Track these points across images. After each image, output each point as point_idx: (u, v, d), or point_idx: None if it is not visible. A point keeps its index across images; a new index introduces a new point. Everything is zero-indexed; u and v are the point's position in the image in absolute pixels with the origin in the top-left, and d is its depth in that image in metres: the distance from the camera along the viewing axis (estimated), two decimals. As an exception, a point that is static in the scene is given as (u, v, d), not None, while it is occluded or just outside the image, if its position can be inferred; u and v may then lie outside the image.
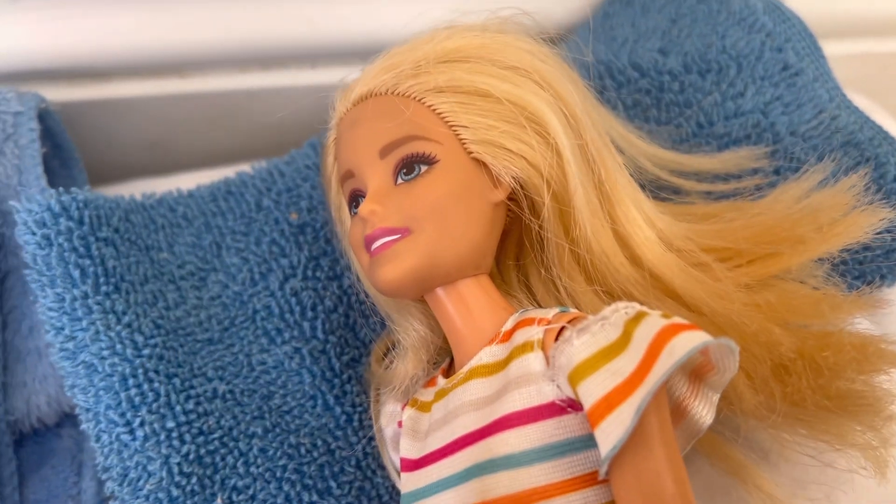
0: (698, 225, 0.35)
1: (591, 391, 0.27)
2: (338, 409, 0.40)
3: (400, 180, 0.33)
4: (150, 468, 0.37)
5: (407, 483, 0.34)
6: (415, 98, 0.34)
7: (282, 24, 0.47)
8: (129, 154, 0.52)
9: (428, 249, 0.32)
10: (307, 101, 0.50)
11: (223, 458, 0.38)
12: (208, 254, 0.43)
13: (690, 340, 0.26)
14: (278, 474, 0.38)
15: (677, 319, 0.27)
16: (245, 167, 0.49)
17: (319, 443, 0.40)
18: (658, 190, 0.38)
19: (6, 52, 0.45)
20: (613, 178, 0.33)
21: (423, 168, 0.33)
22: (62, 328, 0.38)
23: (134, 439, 0.37)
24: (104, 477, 0.37)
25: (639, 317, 0.28)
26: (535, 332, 0.30)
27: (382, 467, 0.40)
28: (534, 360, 0.30)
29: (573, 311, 0.32)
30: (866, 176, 0.40)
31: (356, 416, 0.40)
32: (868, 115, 0.47)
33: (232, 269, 0.42)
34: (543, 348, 0.30)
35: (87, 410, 0.38)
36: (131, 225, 0.41)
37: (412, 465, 0.34)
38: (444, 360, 0.36)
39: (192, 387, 0.39)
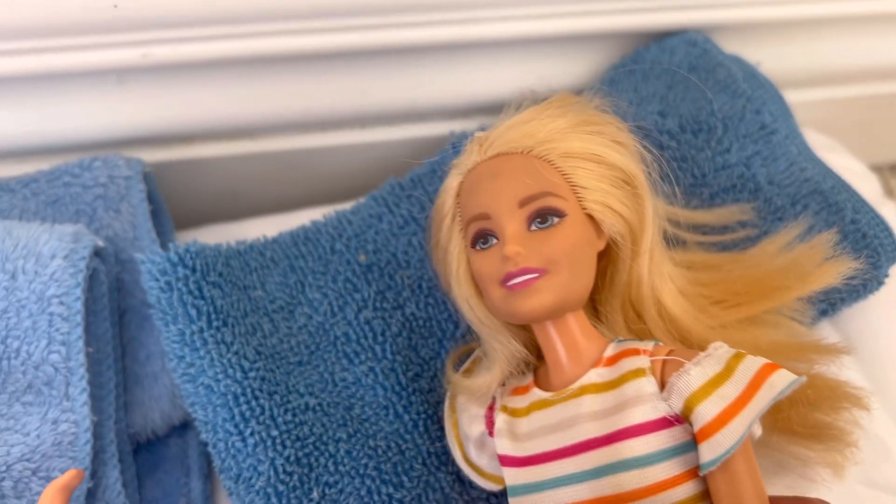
0: (700, 274, 0.44)
1: (707, 411, 0.35)
2: (406, 417, 0.49)
3: (534, 227, 0.39)
4: (259, 469, 0.45)
5: (518, 476, 0.40)
6: (547, 160, 0.40)
7: (338, 94, 0.55)
8: (206, 203, 0.60)
9: (562, 288, 0.38)
10: (357, 156, 0.59)
11: (317, 459, 0.46)
12: (294, 290, 0.51)
13: (786, 378, 0.35)
14: (361, 471, 0.46)
15: (769, 361, 0.36)
16: (307, 213, 0.57)
17: (392, 445, 0.48)
18: (665, 241, 0.46)
19: (114, 123, 0.53)
20: (659, 236, 0.42)
21: (555, 220, 0.39)
22: (183, 357, 0.46)
23: (246, 446, 0.45)
24: (221, 477, 0.45)
25: (739, 356, 0.36)
26: (643, 362, 0.38)
27: (444, 464, 0.48)
28: (646, 384, 0.37)
29: (661, 343, 0.39)
30: (827, 217, 0.50)
31: (420, 423, 0.48)
32: (828, 164, 0.57)
33: (314, 303, 0.51)
34: (654, 374, 0.37)
35: (206, 423, 0.46)
36: (231, 269, 0.50)
37: (520, 462, 0.40)
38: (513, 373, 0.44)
39: (288, 402, 0.47)
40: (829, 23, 0.61)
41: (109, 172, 0.51)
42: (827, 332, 0.54)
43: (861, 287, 0.50)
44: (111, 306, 0.50)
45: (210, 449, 0.46)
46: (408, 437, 0.48)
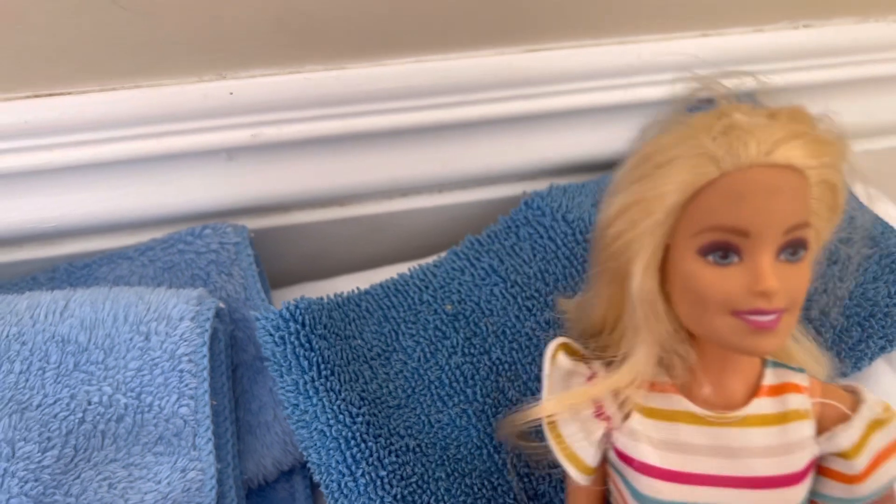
0: None
1: (862, 461, 0.38)
2: (496, 457, 0.52)
3: (783, 257, 0.35)
4: None
5: (665, 491, 0.38)
6: (812, 184, 0.35)
7: (420, 164, 0.60)
8: (298, 264, 0.65)
9: (792, 328, 0.36)
10: (436, 217, 0.64)
11: (420, 497, 0.49)
12: (388, 338, 0.55)
13: None
14: None
15: None
16: (392, 269, 0.62)
17: (486, 483, 0.52)
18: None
19: (222, 195, 0.58)
20: None
21: (803, 253, 0.35)
22: (297, 405, 0.51)
23: (357, 486, 0.49)
24: (335, 516, 0.50)
25: (888, 409, 0.38)
26: (806, 402, 0.38)
27: (532, 498, 0.52)
28: (808, 428, 0.38)
29: (806, 373, 0.40)
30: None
31: (509, 461, 0.53)
32: (875, 211, 0.61)
33: (408, 350, 0.55)
34: (814, 417, 0.38)
35: (320, 465, 0.50)
36: (333, 321, 0.54)
37: (670, 476, 0.38)
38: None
39: (391, 444, 0.51)
40: (870, 82, 0.66)
41: (220, 239, 0.57)
42: (883, 368, 0.58)
43: (914, 324, 0.54)
44: (227, 362, 0.54)
45: (323, 489, 0.50)
46: (497, 475, 0.51)
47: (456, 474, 0.51)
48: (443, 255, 0.60)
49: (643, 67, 0.58)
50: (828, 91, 0.65)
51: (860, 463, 0.37)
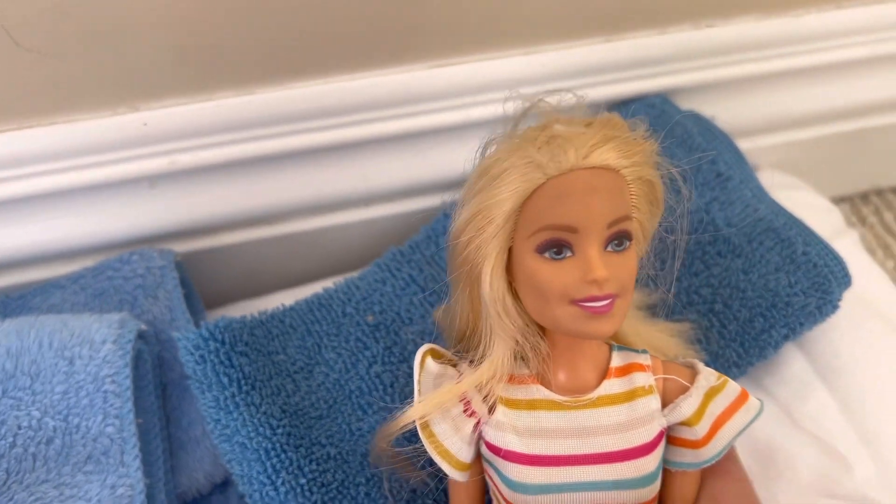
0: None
1: (702, 427, 0.41)
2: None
3: (610, 249, 0.38)
4: None
5: (529, 475, 0.41)
6: (629, 181, 0.40)
7: (343, 180, 0.62)
8: (232, 283, 0.67)
9: (626, 311, 0.39)
10: (362, 230, 0.66)
11: (340, 502, 0.52)
12: (311, 352, 0.56)
13: (755, 405, 0.42)
14: None
15: (743, 388, 0.43)
16: (322, 283, 0.64)
17: (405, 485, 0.54)
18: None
19: (149, 222, 0.60)
20: None
21: (628, 243, 0.39)
22: (219, 420, 0.53)
23: (278, 494, 0.50)
24: (258, 524, 0.52)
25: (722, 378, 0.42)
26: (650, 379, 0.42)
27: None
28: (654, 402, 0.41)
29: (648, 354, 0.43)
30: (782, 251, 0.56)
31: (427, 463, 0.54)
32: (782, 203, 0.63)
33: (330, 362, 0.56)
34: (658, 392, 0.42)
35: (242, 477, 0.52)
36: (255, 337, 0.56)
37: (532, 461, 0.41)
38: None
39: (312, 453, 0.52)
40: (779, 76, 0.68)
41: (146, 264, 0.59)
42: (793, 353, 0.59)
43: (816, 311, 0.56)
44: (155, 381, 0.56)
45: (247, 500, 0.51)
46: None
47: (375, 479, 0.53)
48: (368, 268, 0.62)
49: (539, 77, 0.60)
50: (735, 87, 0.67)
51: (702, 428, 0.41)
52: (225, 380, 0.53)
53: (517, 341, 0.42)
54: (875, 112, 0.74)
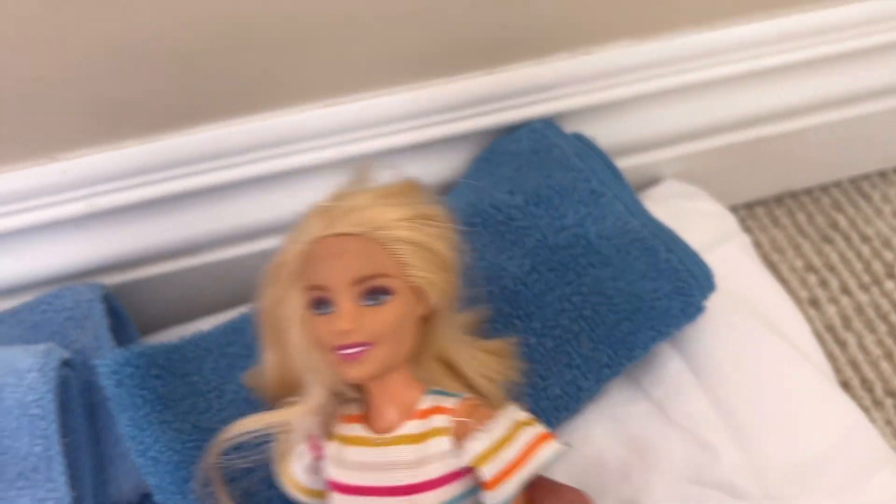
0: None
1: (489, 470, 0.44)
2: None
3: (365, 303, 0.44)
4: None
5: (338, 500, 0.48)
6: (382, 243, 0.45)
7: (253, 211, 0.68)
8: (163, 310, 0.73)
9: (386, 358, 0.45)
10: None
11: (249, 507, 0.58)
12: (223, 373, 0.61)
13: (552, 449, 0.45)
14: None
15: (545, 431, 0.46)
16: (243, 309, 0.70)
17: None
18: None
19: (79, 258, 0.67)
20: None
21: (385, 297, 0.44)
22: (135, 437, 0.57)
23: (187, 502, 0.57)
24: (170, 530, 0.58)
25: (520, 423, 0.45)
26: (447, 421, 0.45)
27: None
28: (446, 443, 0.45)
29: (467, 396, 0.47)
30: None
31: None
32: (672, 212, 0.67)
33: (240, 381, 0.63)
34: (453, 434, 0.45)
35: (156, 487, 0.56)
36: (171, 361, 0.61)
37: (344, 489, 0.48)
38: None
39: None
40: (658, 95, 0.73)
41: (75, 297, 0.65)
42: (669, 353, 0.64)
43: (680, 313, 0.60)
44: (84, 403, 0.62)
45: None
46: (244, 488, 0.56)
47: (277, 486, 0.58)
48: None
49: (427, 111, 0.65)
50: (617, 108, 0.72)
51: (489, 471, 0.44)
52: (139, 400, 0.58)
53: (329, 386, 0.48)
54: (769, 121, 0.79)
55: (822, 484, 0.56)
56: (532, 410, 0.51)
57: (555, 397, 0.59)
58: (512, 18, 0.65)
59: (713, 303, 0.63)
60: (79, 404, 0.61)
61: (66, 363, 0.61)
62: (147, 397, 0.58)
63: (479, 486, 0.46)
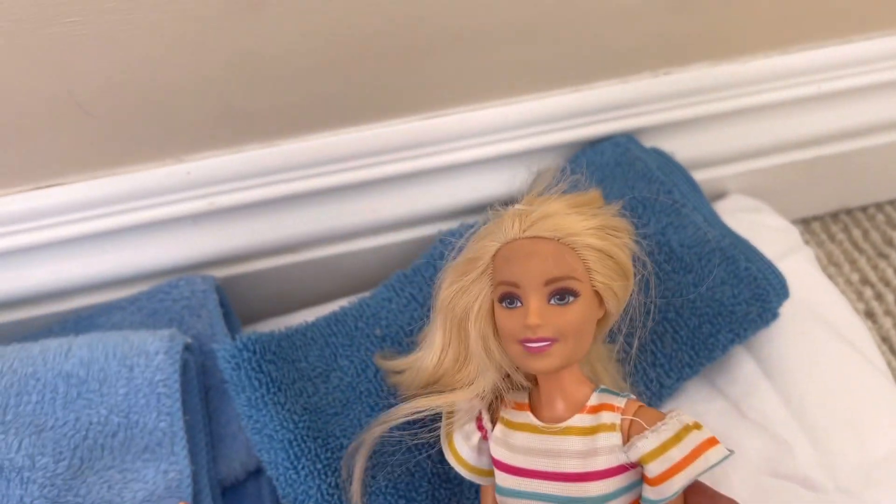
0: None
1: (655, 468, 0.45)
2: (414, 451, 0.63)
3: (553, 302, 0.47)
4: (309, 493, 0.59)
5: (506, 480, 0.50)
6: (573, 248, 0.47)
7: (355, 213, 0.73)
8: (263, 302, 0.78)
9: (568, 354, 0.47)
10: (373, 256, 0.77)
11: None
12: (328, 360, 0.65)
13: (720, 453, 0.44)
14: (382, 490, 0.60)
15: (711, 435, 0.46)
16: (339, 303, 0.75)
17: (405, 470, 0.62)
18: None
19: (193, 253, 0.72)
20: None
21: (571, 298, 0.47)
22: (251, 416, 0.63)
23: (298, 476, 0.59)
24: (283, 502, 0.62)
25: (687, 428, 0.45)
26: (616, 418, 0.47)
27: (446, 481, 0.61)
28: (615, 438, 0.46)
29: (632, 398, 0.48)
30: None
31: (423, 452, 0.63)
32: (741, 226, 0.72)
33: (344, 368, 0.65)
34: (622, 431, 0.47)
35: (270, 463, 0.61)
36: (282, 348, 0.66)
37: (510, 470, 0.50)
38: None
39: (328, 443, 0.60)
40: (732, 114, 0.77)
41: (191, 288, 0.70)
42: (744, 357, 0.68)
43: (758, 318, 0.65)
44: (199, 386, 0.67)
45: (274, 482, 0.61)
46: (415, 464, 0.61)
47: (380, 465, 0.63)
48: (377, 289, 0.73)
49: (518, 124, 0.70)
50: (693, 125, 0.76)
51: (655, 468, 0.45)
52: (256, 383, 0.63)
53: (504, 374, 0.51)
54: (828, 141, 0.83)
55: (893, 480, 0.60)
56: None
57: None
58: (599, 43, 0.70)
59: (784, 309, 0.68)
60: (196, 386, 0.67)
61: (186, 347, 0.67)
62: (262, 380, 0.63)
63: (642, 481, 0.47)
